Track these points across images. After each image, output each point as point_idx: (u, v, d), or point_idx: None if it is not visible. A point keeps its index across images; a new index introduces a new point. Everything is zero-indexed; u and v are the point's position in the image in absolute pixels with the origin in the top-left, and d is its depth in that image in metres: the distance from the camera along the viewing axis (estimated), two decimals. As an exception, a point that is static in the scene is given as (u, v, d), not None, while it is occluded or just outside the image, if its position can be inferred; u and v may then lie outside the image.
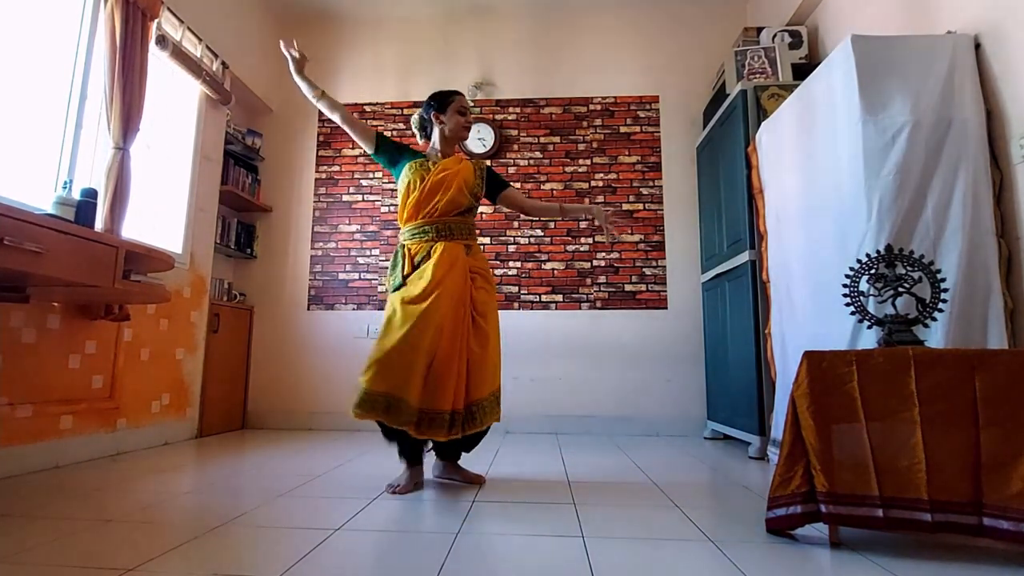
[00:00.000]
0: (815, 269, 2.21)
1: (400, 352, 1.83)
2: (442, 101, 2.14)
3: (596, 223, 2.36)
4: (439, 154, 2.14)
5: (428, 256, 1.99)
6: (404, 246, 2.07)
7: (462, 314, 1.95)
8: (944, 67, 1.97)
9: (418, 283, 1.94)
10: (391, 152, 2.15)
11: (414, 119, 2.24)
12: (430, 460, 2.12)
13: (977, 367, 1.29)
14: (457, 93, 2.18)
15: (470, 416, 1.92)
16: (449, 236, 2.03)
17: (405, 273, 2.00)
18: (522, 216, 3.75)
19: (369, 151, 2.17)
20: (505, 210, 3.69)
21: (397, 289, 2.00)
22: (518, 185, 3.82)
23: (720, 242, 3.16)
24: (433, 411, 1.85)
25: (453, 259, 1.98)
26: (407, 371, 1.81)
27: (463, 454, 2.13)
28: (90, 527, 1.45)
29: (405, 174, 2.08)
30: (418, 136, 2.25)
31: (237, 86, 3.61)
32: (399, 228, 2.15)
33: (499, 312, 2.15)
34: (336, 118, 2.18)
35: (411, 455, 1.99)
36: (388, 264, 3.31)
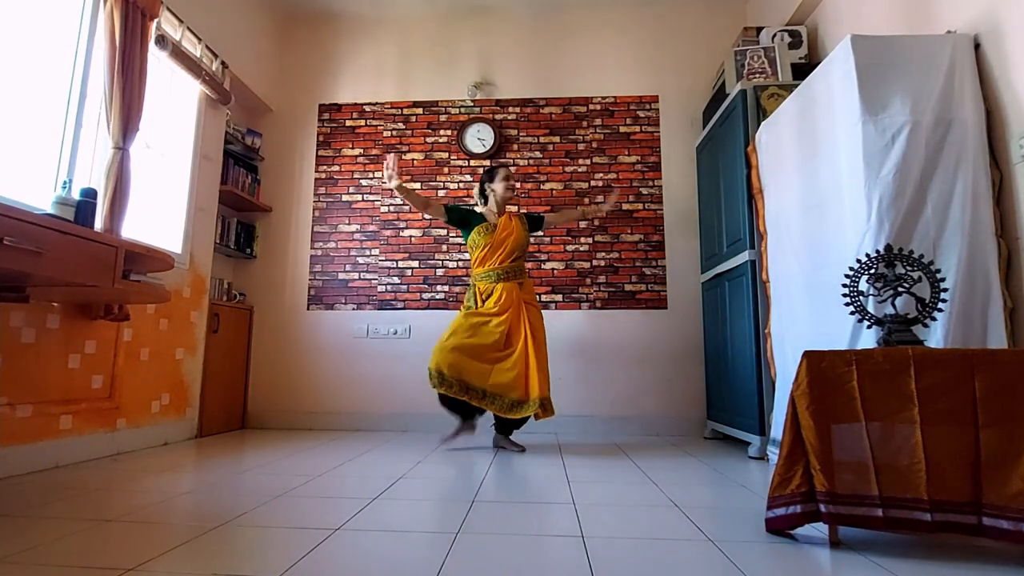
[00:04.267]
0: (815, 269, 2.22)
1: (463, 349, 2.64)
2: (492, 174, 2.93)
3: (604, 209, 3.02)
4: (496, 215, 2.89)
5: (492, 293, 2.77)
6: (475, 286, 2.85)
7: (522, 334, 2.70)
8: (944, 67, 1.97)
9: (488, 303, 2.75)
10: (461, 218, 2.90)
11: (476, 189, 2.99)
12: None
13: (977, 367, 1.29)
14: (503, 166, 3.00)
15: (543, 407, 2.62)
16: (507, 278, 2.78)
17: (478, 305, 2.79)
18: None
19: (444, 221, 2.96)
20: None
21: (469, 308, 2.80)
22: (518, 185, 3.82)
23: (720, 242, 3.16)
24: (502, 394, 2.63)
25: (510, 295, 2.75)
26: (468, 362, 2.63)
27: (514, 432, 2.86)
28: (90, 527, 1.45)
29: (474, 236, 2.84)
30: (478, 200, 2.98)
31: (237, 86, 3.61)
32: (470, 270, 2.94)
33: (543, 322, 2.88)
34: (424, 207, 2.93)
35: (463, 415, 2.75)
36: (388, 264, 3.57)
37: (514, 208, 3.02)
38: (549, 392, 2.67)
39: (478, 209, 2.95)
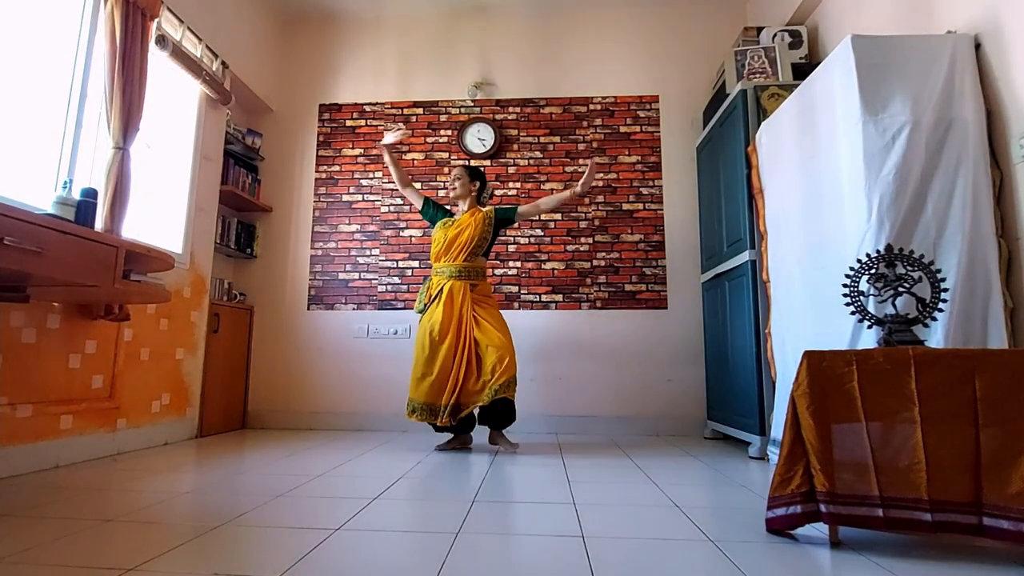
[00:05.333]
0: (815, 269, 2.21)
1: (428, 379, 2.65)
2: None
3: (585, 180, 2.75)
4: (461, 212, 2.89)
5: (441, 291, 2.73)
6: (430, 279, 2.85)
7: (465, 332, 2.65)
8: (944, 67, 1.97)
9: (434, 315, 2.70)
10: (432, 211, 2.96)
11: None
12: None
13: (977, 367, 1.29)
14: (458, 166, 3.13)
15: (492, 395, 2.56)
16: (459, 276, 2.76)
17: (426, 301, 2.79)
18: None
19: (417, 207, 3.01)
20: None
21: (422, 311, 2.80)
22: (518, 184, 3.82)
23: (720, 242, 3.16)
24: (463, 404, 2.61)
25: (455, 294, 2.71)
26: (436, 388, 2.63)
27: (504, 430, 2.79)
28: (90, 527, 1.45)
29: (436, 229, 2.86)
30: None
31: (237, 86, 3.61)
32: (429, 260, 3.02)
33: (501, 313, 2.85)
34: (404, 185, 3.02)
35: (451, 430, 2.75)
36: (388, 264, 3.57)
37: (487, 207, 2.94)
38: (508, 378, 2.56)
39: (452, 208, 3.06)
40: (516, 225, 3.71)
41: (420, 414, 2.66)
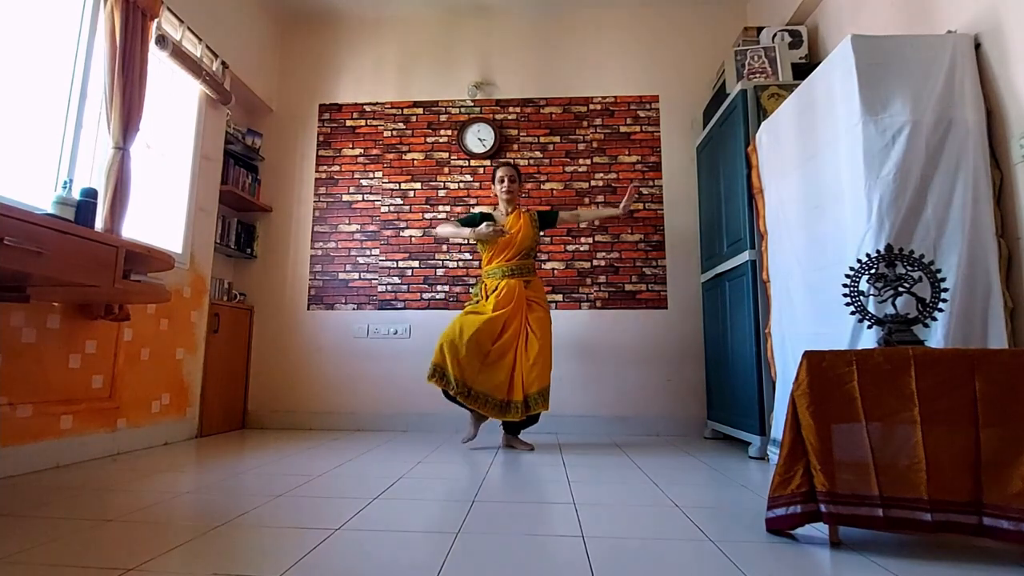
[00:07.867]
0: (815, 269, 2.21)
1: (454, 342, 2.66)
2: (494, 174, 3.00)
3: (625, 203, 2.94)
4: (504, 215, 2.96)
5: (497, 288, 2.81)
6: (483, 281, 2.92)
7: (517, 329, 2.75)
8: (944, 67, 1.97)
9: (486, 306, 2.79)
10: (470, 223, 2.91)
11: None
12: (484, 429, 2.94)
13: (977, 367, 1.29)
14: (500, 166, 3.01)
15: (527, 405, 2.67)
16: (512, 275, 2.84)
17: (484, 297, 2.85)
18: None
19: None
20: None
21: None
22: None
23: (720, 242, 3.16)
24: (488, 395, 2.68)
25: (512, 291, 2.79)
26: (456, 354, 2.64)
27: (522, 430, 2.88)
28: (90, 527, 1.45)
29: None
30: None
31: (237, 86, 3.61)
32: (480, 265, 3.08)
33: (550, 318, 2.88)
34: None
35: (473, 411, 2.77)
36: (388, 264, 3.58)
37: (524, 208, 2.99)
38: (541, 388, 2.68)
39: (489, 210, 3.08)
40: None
41: (473, 400, 2.67)
